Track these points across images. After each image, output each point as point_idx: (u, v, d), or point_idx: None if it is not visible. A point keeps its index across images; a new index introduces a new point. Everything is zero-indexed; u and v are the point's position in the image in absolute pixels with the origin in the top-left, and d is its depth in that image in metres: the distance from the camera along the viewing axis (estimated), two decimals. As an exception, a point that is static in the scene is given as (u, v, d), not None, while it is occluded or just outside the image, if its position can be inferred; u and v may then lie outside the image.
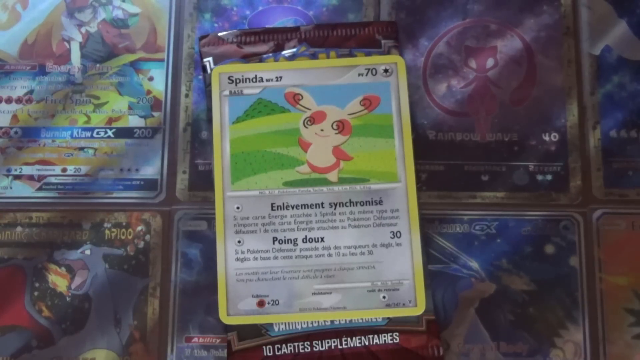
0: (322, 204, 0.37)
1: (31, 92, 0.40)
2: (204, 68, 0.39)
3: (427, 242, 0.38)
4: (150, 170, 0.39)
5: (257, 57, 0.39)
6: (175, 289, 0.38)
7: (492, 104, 0.40)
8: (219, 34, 0.39)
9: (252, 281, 0.36)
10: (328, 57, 0.38)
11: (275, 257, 0.36)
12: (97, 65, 0.40)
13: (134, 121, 0.40)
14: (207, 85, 0.38)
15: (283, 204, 0.37)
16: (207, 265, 0.38)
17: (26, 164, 0.39)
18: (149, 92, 0.40)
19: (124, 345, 0.37)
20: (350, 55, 0.38)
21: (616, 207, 0.39)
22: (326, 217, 0.36)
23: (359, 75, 0.38)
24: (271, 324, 0.36)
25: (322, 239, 0.36)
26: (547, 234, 0.38)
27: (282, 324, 0.36)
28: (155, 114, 0.40)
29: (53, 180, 0.39)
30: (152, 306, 0.38)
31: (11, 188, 0.39)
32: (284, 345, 0.36)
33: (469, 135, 0.39)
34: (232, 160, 0.37)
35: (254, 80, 0.38)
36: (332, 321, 0.36)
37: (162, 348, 0.37)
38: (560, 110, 0.40)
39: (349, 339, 0.36)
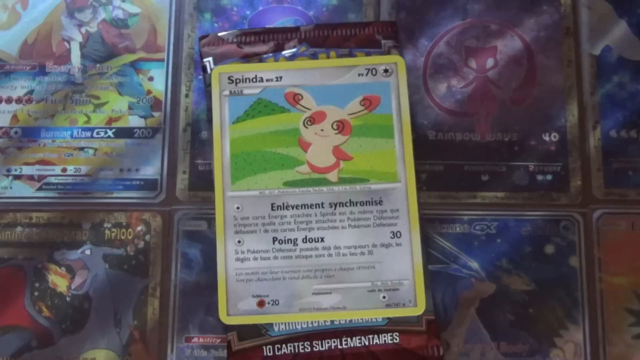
0: (322, 204, 0.37)
1: (31, 92, 0.40)
2: (204, 68, 0.39)
3: (427, 242, 0.38)
4: (150, 170, 0.39)
5: (257, 57, 0.39)
6: (175, 289, 0.38)
7: (492, 104, 0.40)
8: (219, 34, 0.39)
9: (252, 281, 0.36)
10: (328, 57, 0.38)
11: (275, 257, 0.36)
12: (97, 65, 0.40)
13: (134, 121, 0.40)
14: (207, 85, 0.38)
15: (283, 204, 0.37)
16: (207, 265, 0.38)
17: (26, 164, 0.39)
18: (149, 92, 0.40)
19: (124, 345, 0.37)
20: (350, 55, 0.38)
21: (616, 207, 0.39)
22: (326, 217, 0.36)
23: (359, 75, 0.38)
24: (271, 324, 0.36)
25: (322, 239, 0.36)
26: (547, 234, 0.38)
27: (282, 324, 0.36)
28: (155, 114, 0.40)
29: (53, 180, 0.39)
30: (152, 306, 0.38)
31: (11, 188, 0.39)
32: (284, 345, 0.36)
33: (469, 135, 0.39)
34: (232, 160, 0.37)
35: (254, 80, 0.38)
36: (332, 321, 0.36)
37: (162, 348, 0.37)
38: (560, 110, 0.40)
39: (349, 339, 0.36)
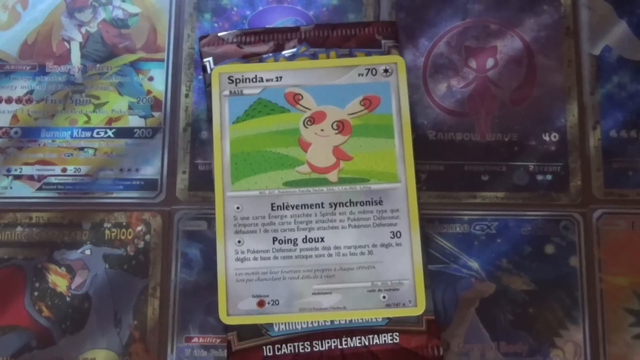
0: (322, 204, 0.37)
1: (31, 92, 0.40)
2: (204, 68, 0.39)
3: (427, 242, 0.38)
4: (150, 170, 0.39)
5: (257, 57, 0.39)
6: (175, 289, 0.38)
7: (492, 104, 0.40)
8: (219, 34, 0.39)
9: (252, 281, 0.36)
10: (328, 57, 0.38)
11: (275, 257, 0.36)
12: (97, 65, 0.40)
13: (134, 121, 0.40)
14: (207, 85, 0.38)
15: (283, 204, 0.37)
16: (207, 265, 0.38)
17: (26, 164, 0.39)
18: (149, 92, 0.40)
19: (124, 345, 0.37)
20: (350, 55, 0.38)
21: (616, 207, 0.39)
22: (326, 217, 0.36)
23: (359, 75, 0.38)
24: (271, 324, 0.36)
25: (322, 239, 0.36)
26: (547, 234, 0.38)
27: (282, 324, 0.36)
28: (155, 114, 0.40)
29: (53, 180, 0.39)
30: (152, 306, 0.38)
31: (11, 188, 0.39)
32: (284, 345, 0.36)
33: (469, 135, 0.39)
34: (232, 160, 0.37)
35: (254, 80, 0.38)
36: (332, 321, 0.36)
37: (162, 348, 0.37)
38: (560, 110, 0.40)
39: (349, 339, 0.36)
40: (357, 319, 0.36)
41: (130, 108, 0.40)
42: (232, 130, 0.37)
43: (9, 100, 0.40)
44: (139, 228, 0.38)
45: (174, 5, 0.41)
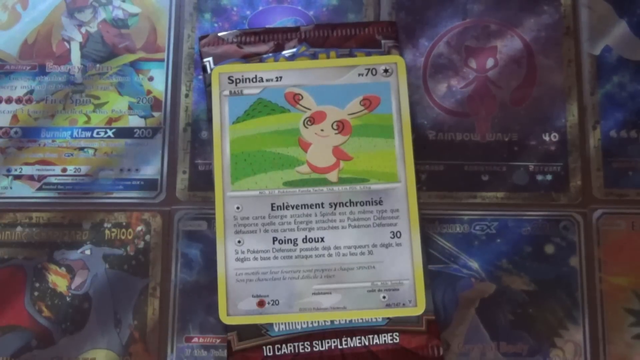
0: (322, 204, 0.37)
1: (31, 92, 0.40)
2: (204, 68, 0.39)
3: (427, 242, 0.38)
4: (150, 170, 0.39)
5: (257, 57, 0.39)
6: (175, 289, 0.38)
7: (492, 104, 0.40)
8: (219, 34, 0.39)
9: (252, 281, 0.36)
10: (328, 57, 0.38)
11: (275, 257, 0.36)
12: (97, 65, 0.40)
13: (134, 121, 0.40)
14: (207, 85, 0.38)
15: (283, 204, 0.37)
16: (207, 265, 0.38)
17: (26, 164, 0.39)
18: (149, 92, 0.40)
19: (124, 345, 0.37)
20: (350, 55, 0.38)
21: (616, 207, 0.39)
22: (326, 217, 0.36)
23: (359, 75, 0.38)
24: (271, 324, 0.36)
25: (322, 239, 0.36)
26: (547, 234, 0.38)
27: (282, 324, 0.36)
28: (155, 114, 0.40)
29: (53, 180, 0.39)
30: (152, 306, 0.38)
31: (11, 188, 0.39)
32: (284, 345, 0.36)
33: (469, 135, 0.39)
34: (232, 160, 0.37)
35: (254, 80, 0.38)
36: (332, 321, 0.36)
37: (162, 348, 0.37)
38: (560, 110, 0.40)
39: (349, 339, 0.36)
40: (357, 319, 0.36)
41: (130, 108, 0.40)
42: (232, 130, 0.37)
43: (9, 100, 0.40)
44: (139, 228, 0.38)
45: (174, 5, 0.41)
